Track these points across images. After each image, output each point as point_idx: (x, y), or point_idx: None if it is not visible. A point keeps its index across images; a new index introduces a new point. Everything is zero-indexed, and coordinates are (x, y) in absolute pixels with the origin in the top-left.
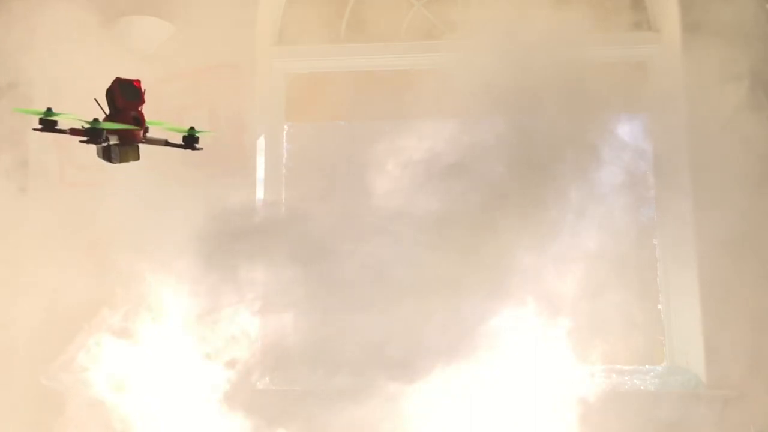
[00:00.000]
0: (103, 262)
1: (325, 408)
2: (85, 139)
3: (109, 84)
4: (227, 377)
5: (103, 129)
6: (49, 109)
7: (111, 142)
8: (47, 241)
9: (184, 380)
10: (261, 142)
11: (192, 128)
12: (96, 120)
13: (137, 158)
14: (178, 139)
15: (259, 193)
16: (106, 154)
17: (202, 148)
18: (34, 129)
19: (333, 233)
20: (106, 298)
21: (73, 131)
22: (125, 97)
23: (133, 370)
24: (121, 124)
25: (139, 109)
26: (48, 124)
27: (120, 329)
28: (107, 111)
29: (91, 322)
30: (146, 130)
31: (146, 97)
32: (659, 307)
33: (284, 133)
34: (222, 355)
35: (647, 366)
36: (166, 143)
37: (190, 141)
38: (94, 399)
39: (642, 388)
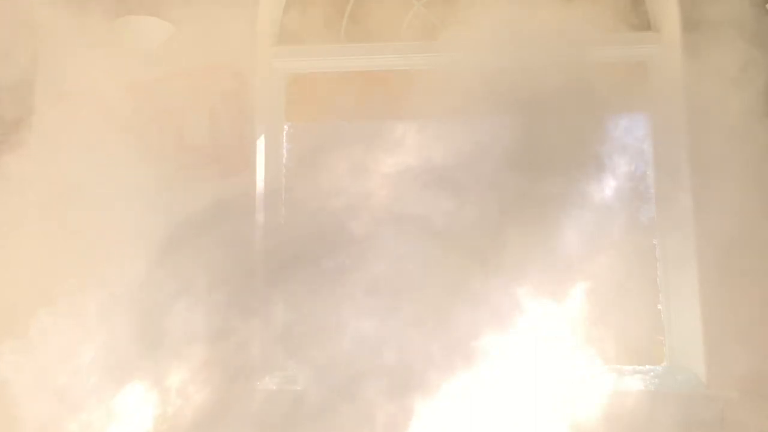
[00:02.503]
0: (99, 262)
1: (321, 408)
2: None
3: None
4: (226, 377)
5: None
6: None
7: None
8: (43, 240)
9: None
10: (261, 142)
11: None
12: None
13: None
14: None
15: (259, 194)
16: None
17: None
18: None
19: (332, 233)
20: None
21: None
22: None
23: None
24: None
25: None
26: None
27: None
28: None
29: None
30: None
31: (146, 96)
32: (659, 307)
33: (284, 133)
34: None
35: (647, 366)
36: None
37: None
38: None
39: (642, 388)
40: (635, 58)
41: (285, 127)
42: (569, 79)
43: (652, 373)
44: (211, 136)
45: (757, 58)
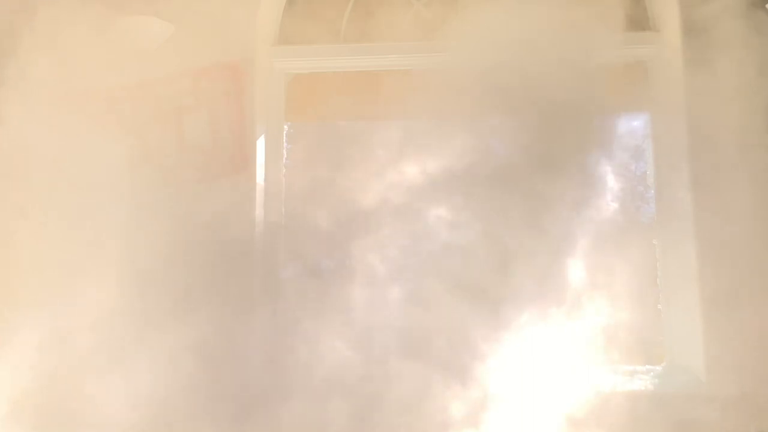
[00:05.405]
0: (96, 262)
1: (323, 412)
2: None
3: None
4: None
5: None
6: None
7: None
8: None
9: None
10: (261, 142)
11: None
12: None
13: None
14: None
15: (259, 194)
16: None
17: None
18: None
19: (332, 235)
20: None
21: None
22: None
23: None
24: None
25: None
26: None
27: None
28: None
29: None
30: None
31: (146, 96)
32: (659, 307)
33: (284, 133)
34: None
35: (647, 366)
36: None
37: None
38: None
39: (642, 388)
40: (635, 58)
41: (285, 127)
42: (569, 79)
43: (652, 373)
44: (211, 136)
45: (757, 58)
